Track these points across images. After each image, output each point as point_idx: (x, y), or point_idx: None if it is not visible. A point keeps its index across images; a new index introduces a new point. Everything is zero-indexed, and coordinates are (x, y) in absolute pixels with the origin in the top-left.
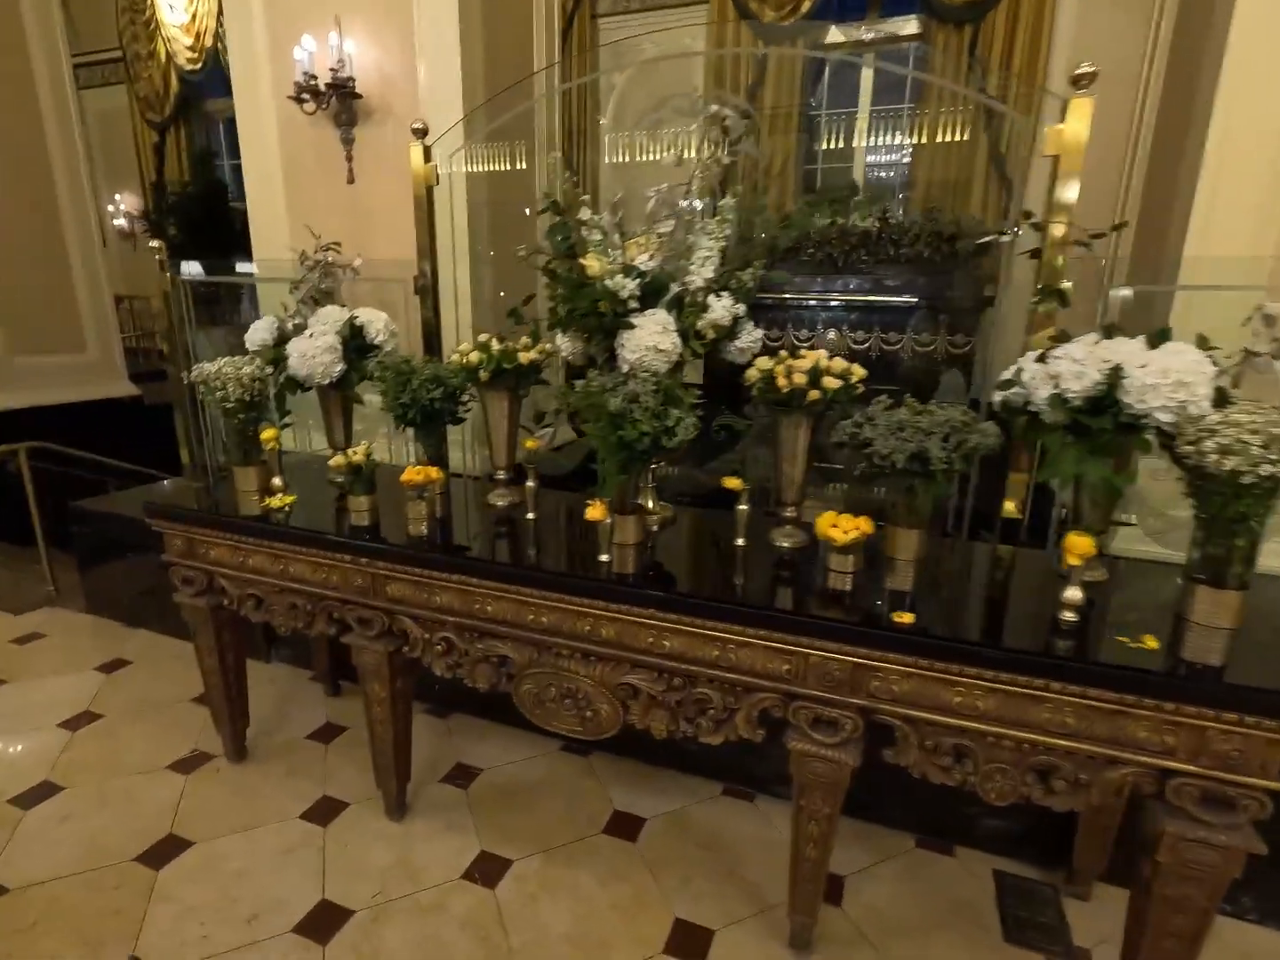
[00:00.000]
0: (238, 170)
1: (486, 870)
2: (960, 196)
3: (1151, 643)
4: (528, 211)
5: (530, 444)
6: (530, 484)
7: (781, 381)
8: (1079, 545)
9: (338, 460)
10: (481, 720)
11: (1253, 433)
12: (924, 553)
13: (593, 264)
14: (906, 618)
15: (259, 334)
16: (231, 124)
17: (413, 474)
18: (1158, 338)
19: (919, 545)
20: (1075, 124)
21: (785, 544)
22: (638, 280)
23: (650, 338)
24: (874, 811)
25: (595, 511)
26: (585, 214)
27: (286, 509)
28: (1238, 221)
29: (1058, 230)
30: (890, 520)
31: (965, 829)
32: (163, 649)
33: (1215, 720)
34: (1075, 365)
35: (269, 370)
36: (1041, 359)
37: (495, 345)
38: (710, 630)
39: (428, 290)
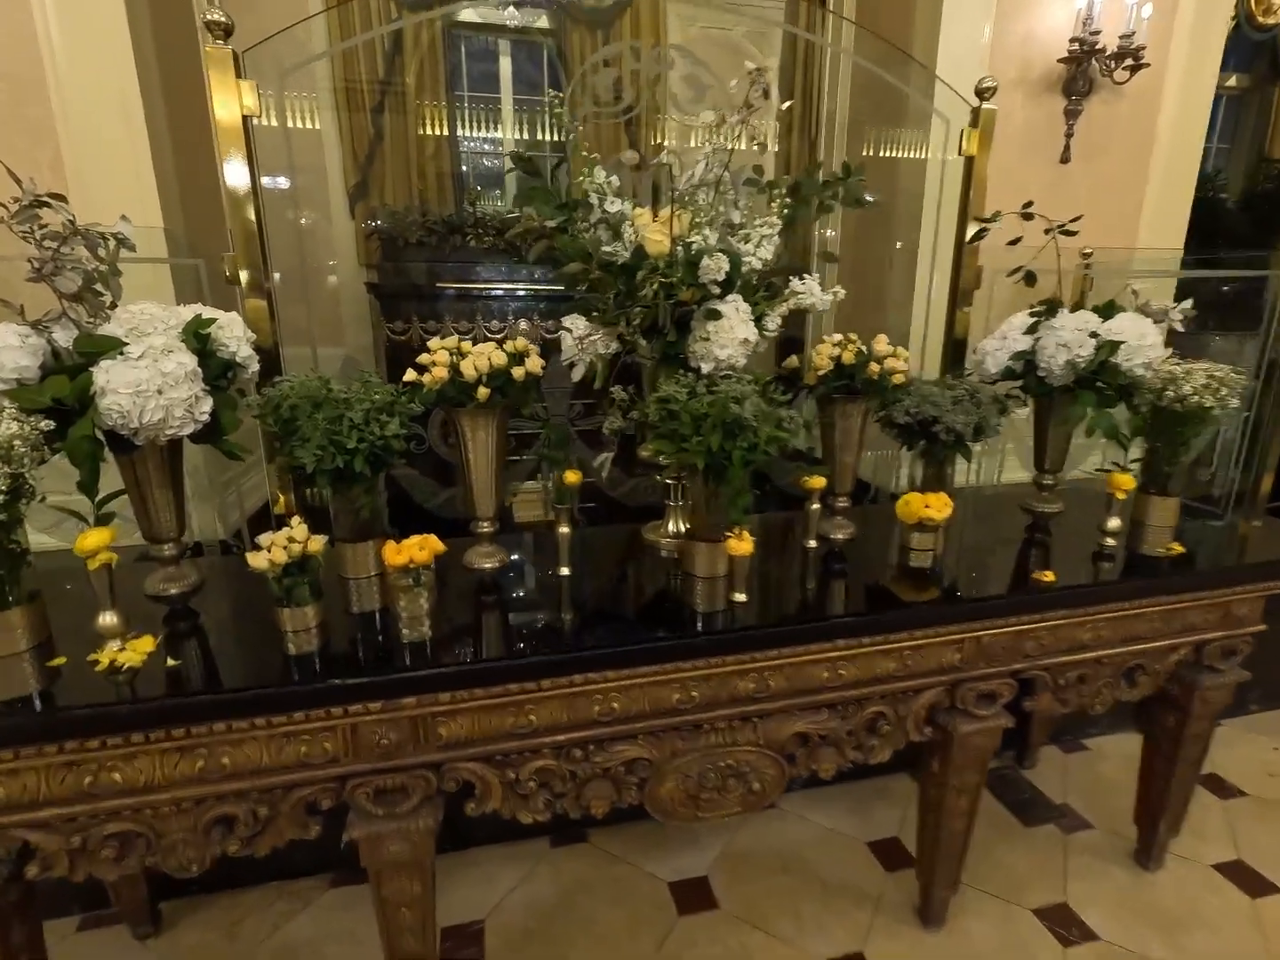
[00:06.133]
0: None
1: None
2: None
3: (1178, 548)
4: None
5: (572, 477)
6: (564, 530)
7: (873, 368)
8: (1123, 481)
9: (273, 556)
10: None
11: (1211, 378)
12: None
13: (659, 239)
14: (1049, 576)
15: (9, 356)
16: None
17: (406, 551)
18: (1107, 310)
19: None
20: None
21: (839, 535)
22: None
23: (740, 329)
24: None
25: (743, 545)
26: (599, 175)
27: (167, 665)
28: None
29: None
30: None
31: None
32: None
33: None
34: (1079, 335)
35: (45, 424)
36: (1032, 330)
37: (491, 351)
38: (893, 644)
39: (251, 278)
